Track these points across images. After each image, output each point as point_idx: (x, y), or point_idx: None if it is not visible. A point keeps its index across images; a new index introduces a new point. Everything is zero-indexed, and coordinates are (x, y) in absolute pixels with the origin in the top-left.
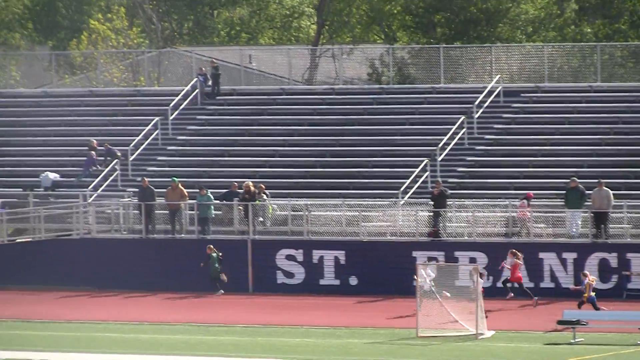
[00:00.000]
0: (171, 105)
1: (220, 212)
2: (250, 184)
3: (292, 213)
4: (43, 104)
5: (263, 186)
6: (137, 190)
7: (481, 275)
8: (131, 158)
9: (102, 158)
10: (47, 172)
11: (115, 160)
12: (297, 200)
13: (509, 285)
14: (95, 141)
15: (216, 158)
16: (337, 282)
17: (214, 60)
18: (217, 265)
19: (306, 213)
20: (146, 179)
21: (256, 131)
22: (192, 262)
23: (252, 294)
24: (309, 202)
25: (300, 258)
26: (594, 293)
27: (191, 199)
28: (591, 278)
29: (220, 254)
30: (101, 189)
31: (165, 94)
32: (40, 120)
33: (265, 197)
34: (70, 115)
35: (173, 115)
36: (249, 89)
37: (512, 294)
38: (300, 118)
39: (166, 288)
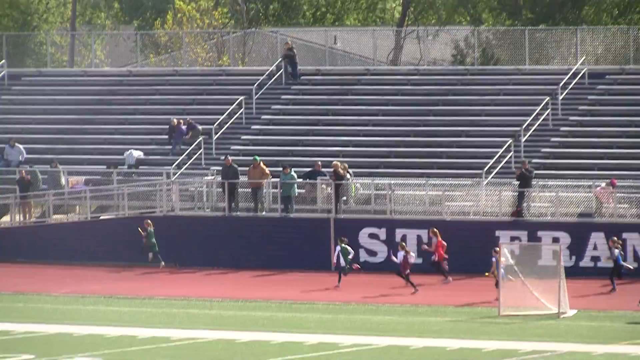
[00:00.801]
0: (256, 84)
1: (303, 191)
2: (338, 164)
3: (376, 192)
4: (128, 83)
5: (347, 165)
6: (220, 168)
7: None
8: (215, 137)
9: (187, 136)
10: (131, 150)
11: (200, 138)
12: (380, 180)
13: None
14: (175, 120)
15: (300, 137)
16: (419, 260)
17: (288, 41)
18: (153, 240)
19: (389, 192)
20: (229, 158)
21: (340, 111)
22: (274, 240)
23: (335, 272)
24: (392, 182)
25: (382, 237)
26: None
27: (274, 178)
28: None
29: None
30: (185, 167)
31: (249, 73)
32: (124, 99)
33: (349, 176)
34: (155, 94)
35: (257, 95)
36: (333, 69)
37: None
38: (385, 98)
39: (248, 266)
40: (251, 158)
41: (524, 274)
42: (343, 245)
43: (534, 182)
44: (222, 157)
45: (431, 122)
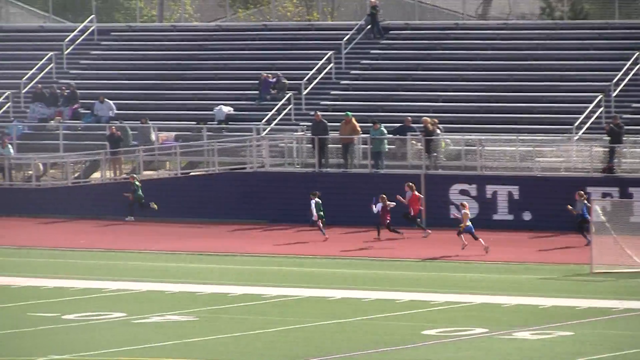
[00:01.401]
0: (345, 39)
1: (393, 147)
2: (428, 119)
3: (466, 148)
4: (217, 37)
5: (436, 121)
6: (310, 124)
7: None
8: (304, 92)
9: (275, 91)
10: (221, 106)
11: (290, 93)
12: (470, 135)
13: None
14: (264, 74)
15: (389, 92)
16: (510, 217)
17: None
18: (140, 193)
19: (479, 148)
20: (319, 113)
21: (429, 66)
22: (364, 196)
23: (426, 228)
24: (482, 137)
25: (473, 193)
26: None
27: (364, 133)
28: (467, 210)
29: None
30: (275, 122)
31: (339, 28)
32: (213, 54)
33: (438, 132)
34: (244, 49)
35: (346, 50)
36: (422, 23)
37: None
38: (473, 53)
39: (338, 222)
40: (341, 113)
41: (616, 230)
42: (317, 199)
43: (624, 137)
44: (312, 113)
45: (520, 76)
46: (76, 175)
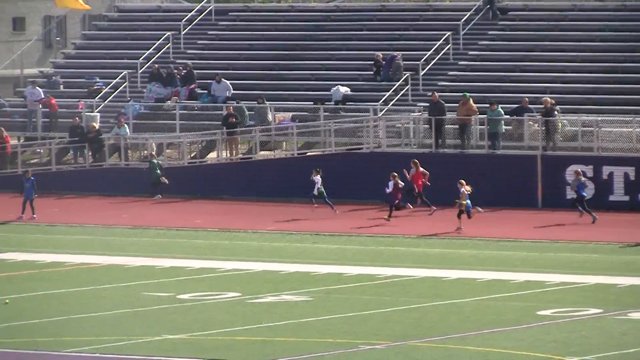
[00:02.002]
0: (463, 20)
1: (510, 127)
2: (549, 100)
3: (583, 129)
4: (334, 18)
5: (554, 101)
6: (427, 104)
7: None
8: (422, 72)
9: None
10: (338, 86)
11: (407, 74)
12: (587, 116)
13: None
14: (380, 54)
15: (506, 73)
16: (626, 198)
17: None
18: (157, 170)
19: (596, 129)
20: (436, 94)
21: (547, 47)
22: (481, 177)
23: (541, 209)
24: (599, 118)
25: (589, 174)
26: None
27: (481, 114)
28: (467, 187)
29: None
30: (392, 103)
31: (456, 9)
32: (331, 35)
33: (556, 112)
34: (361, 30)
35: (464, 31)
36: (540, 4)
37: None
38: (592, 34)
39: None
40: (458, 94)
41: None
42: (318, 176)
43: None
44: (429, 93)
45: (638, 58)
46: (192, 155)
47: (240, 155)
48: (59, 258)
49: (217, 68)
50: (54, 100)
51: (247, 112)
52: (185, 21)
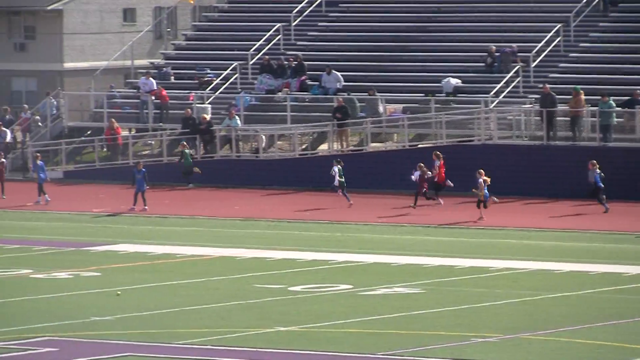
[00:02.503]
0: (573, 12)
1: (622, 120)
2: None
3: None
4: (444, 9)
5: None
6: (538, 96)
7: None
8: (533, 64)
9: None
10: (449, 78)
11: (518, 65)
12: None
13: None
14: (494, 47)
15: (618, 65)
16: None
17: None
18: (190, 160)
19: None
20: (547, 86)
21: None
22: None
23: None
24: None
25: None
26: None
27: (593, 106)
28: (485, 178)
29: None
30: (502, 95)
31: (567, 0)
32: (441, 26)
33: None
34: (472, 21)
35: (575, 22)
36: None
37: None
38: None
39: (565, 195)
40: (569, 86)
41: None
42: (339, 166)
43: None
44: (540, 85)
45: None
46: (303, 147)
47: (351, 147)
48: (170, 250)
49: (327, 59)
50: (164, 92)
51: (358, 104)
52: (295, 12)
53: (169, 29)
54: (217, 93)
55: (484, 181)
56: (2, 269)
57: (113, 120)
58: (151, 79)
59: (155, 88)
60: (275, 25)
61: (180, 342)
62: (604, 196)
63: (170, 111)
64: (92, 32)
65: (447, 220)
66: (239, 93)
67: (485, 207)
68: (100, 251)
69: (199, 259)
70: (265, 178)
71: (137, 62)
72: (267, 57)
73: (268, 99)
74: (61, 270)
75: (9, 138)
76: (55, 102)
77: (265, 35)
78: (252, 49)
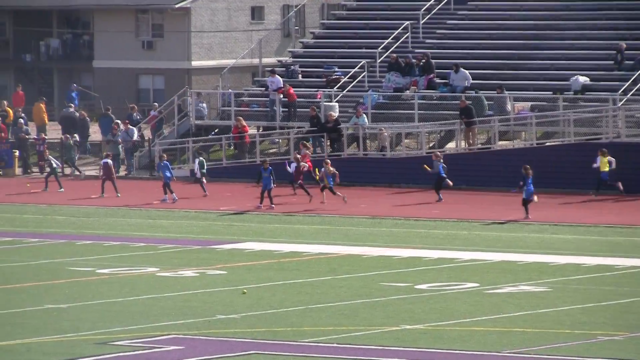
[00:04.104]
0: None
1: None
2: None
3: None
4: (573, 7)
5: None
6: None
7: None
8: None
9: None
10: (577, 76)
11: None
12: None
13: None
14: (624, 44)
15: None
16: None
17: None
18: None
19: None
20: None
21: None
22: None
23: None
24: None
25: None
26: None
27: None
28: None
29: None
30: (631, 93)
31: None
32: (570, 23)
33: None
34: (601, 19)
35: None
36: None
37: None
38: None
39: None
40: None
41: None
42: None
43: None
44: None
45: None
46: (431, 145)
47: (478, 145)
48: (297, 248)
49: (455, 57)
50: (292, 90)
51: (485, 102)
52: (424, 10)
53: (297, 27)
54: (344, 91)
55: (527, 175)
56: (129, 267)
57: (240, 118)
58: (278, 76)
59: (282, 86)
60: (403, 23)
61: (305, 340)
62: (446, 184)
63: (298, 109)
64: (219, 30)
65: (574, 219)
66: (366, 91)
67: (528, 202)
68: (226, 249)
69: (325, 257)
70: (392, 176)
71: (265, 61)
72: (395, 55)
73: (395, 97)
74: (187, 269)
75: (135, 136)
76: (204, 105)
77: (393, 33)
78: (380, 47)
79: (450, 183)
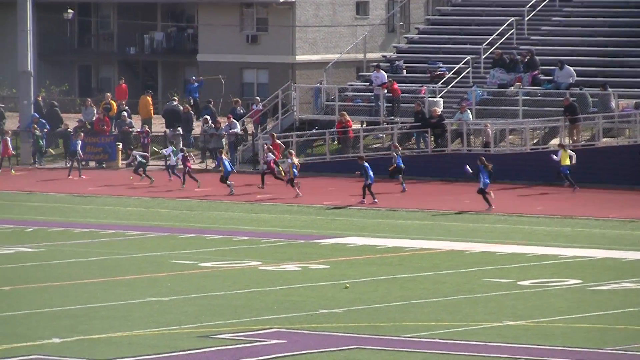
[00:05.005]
0: None
1: None
2: None
3: None
4: None
5: None
6: None
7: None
8: None
9: None
10: None
11: None
12: None
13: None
14: None
15: None
16: None
17: None
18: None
19: None
20: None
21: None
22: None
23: None
24: None
25: None
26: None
27: None
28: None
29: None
30: None
31: None
32: None
33: None
34: None
35: None
36: None
37: None
38: None
39: None
40: None
41: None
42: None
43: None
44: None
45: None
46: (534, 141)
47: (582, 142)
48: (400, 243)
49: (560, 54)
50: (396, 85)
51: (590, 99)
52: (529, 7)
53: (401, 23)
54: (448, 87)
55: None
56: (232, 261)
57: (344, 113)
58: (382, 72)
59: (386, 81)
60: (508, 20)
61: (407, 335)
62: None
63: (402, 104)
64: (324, 25)
65: None
66: (470, 87)
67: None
68: (329, 244)
69: (427, 253)
70: (496, 172)
71: (370, 56)
72: (499, 51)
73: (500, 94)
74: (290, 263)
75: (238, 130)
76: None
77: (498, 29)
78: (485, 43)
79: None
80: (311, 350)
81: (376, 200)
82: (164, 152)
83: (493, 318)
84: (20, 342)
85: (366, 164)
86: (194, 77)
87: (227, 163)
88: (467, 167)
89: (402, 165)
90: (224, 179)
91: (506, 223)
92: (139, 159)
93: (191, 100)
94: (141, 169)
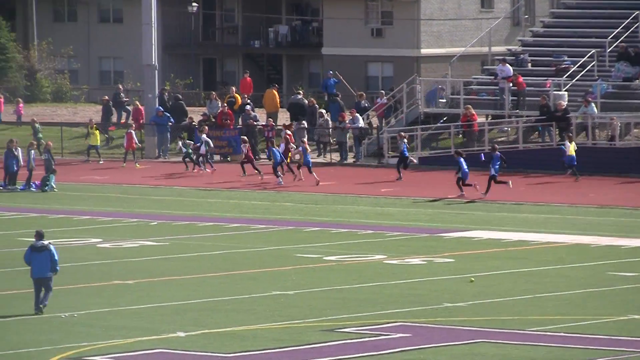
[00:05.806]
0: None
1: None
2: None
3: None
4: None
5: None
6: None
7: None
8: None
9: None
10: None
11: None
12: None
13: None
14: None
15: None
16: None
17: None
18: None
19: None
20: None
21: None
22: None
23: None
24: None
25: None
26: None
27: None
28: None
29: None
30: None
31: None
32: None
33: None
34: None
35: None
36: None
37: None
38: None
39: None
40: None
41: None
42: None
43: None
44: None
45: None
46: None
47: None
48: (524, 237)
49: None
50: (521, 79)
51: None
52: None
53: (526, 16)
54: (573, 80)
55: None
56: (356, 255)
57: (469, 106)
58: (507, 65)
59: (511, 74)
60: (633, 13)
61: (532, 329)
62: (411, 162)
63: (527, 98)
64: (449, 19)
65: None
66: (595, 80)
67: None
68: (453, 237)
69: (552, 246)
70: (621, 166)
71: (494, 49)
72: (624, 44)
73: (625, 87)
74: (415, 256)
75: (361, 123)
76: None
77: (623, 22)
78: (610, 37)
79: (415, 161)
80: (436, 344)
81: (463, 193)
82: (184, 147)
83: (619, 312)
84: (145, 335)
85: (461, 159)
86: (330, 72)
87: (277, 153)
88: (483, 154)
89: (407, 155)
90: (274, 169)
91: (631, 217)
92: (184, 149)
93: (326, 96)
94: (188, 160)
